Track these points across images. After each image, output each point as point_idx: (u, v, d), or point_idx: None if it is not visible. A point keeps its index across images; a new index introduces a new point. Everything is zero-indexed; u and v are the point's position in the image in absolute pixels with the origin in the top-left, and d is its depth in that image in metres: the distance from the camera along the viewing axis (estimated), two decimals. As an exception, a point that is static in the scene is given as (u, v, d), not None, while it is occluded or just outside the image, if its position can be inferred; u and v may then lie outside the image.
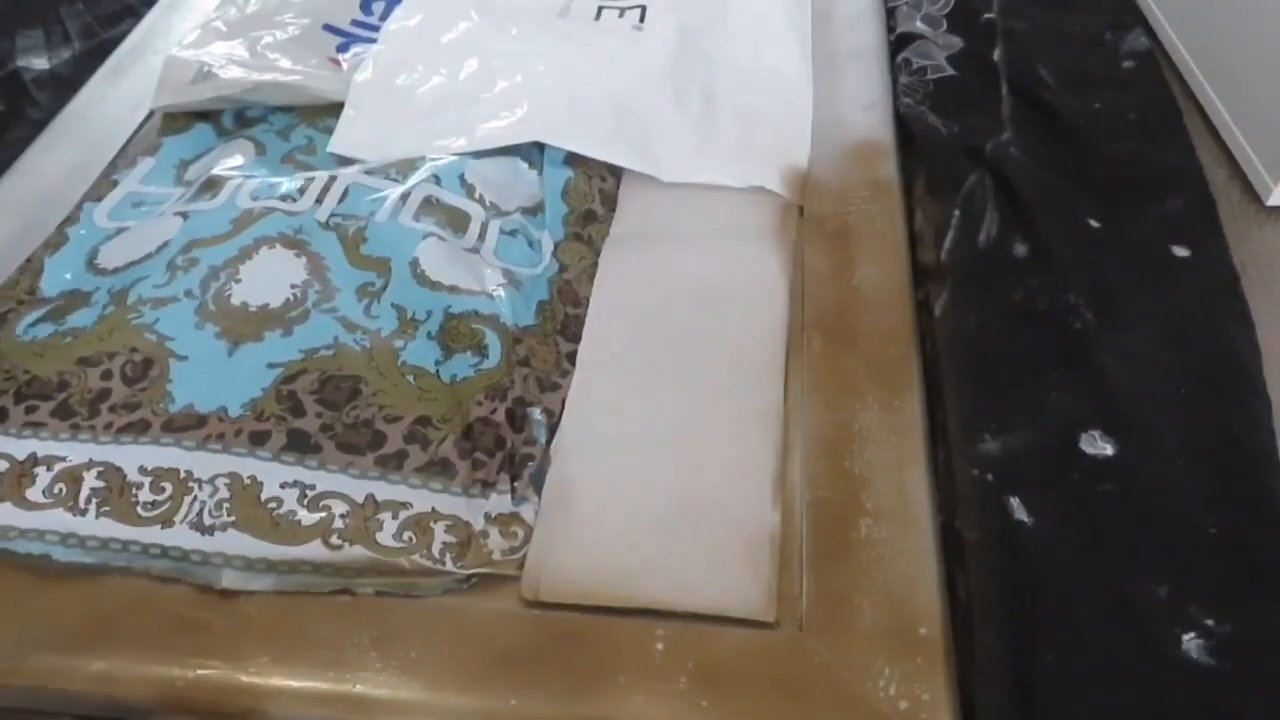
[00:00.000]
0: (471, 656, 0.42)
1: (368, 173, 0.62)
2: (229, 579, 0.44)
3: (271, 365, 0.51)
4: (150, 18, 0.82)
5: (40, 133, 0.70)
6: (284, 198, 0.59)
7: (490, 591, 0.45)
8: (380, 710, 0.41)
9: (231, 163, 0.64)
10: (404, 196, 0.60)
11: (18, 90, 0.73)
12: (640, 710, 0.40)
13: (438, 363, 0.52)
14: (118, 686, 0.41)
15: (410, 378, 0.51)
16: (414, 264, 0.56)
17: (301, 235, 0.57)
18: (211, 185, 0.61)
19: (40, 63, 0.76)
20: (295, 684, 0.41)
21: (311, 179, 0.61)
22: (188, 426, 0.49)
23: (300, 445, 0.48)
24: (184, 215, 0.59)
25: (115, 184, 0.65)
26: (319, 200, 0.59)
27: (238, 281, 0.54)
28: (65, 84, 0.75)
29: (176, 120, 0.69)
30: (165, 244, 0.57)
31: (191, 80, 0.69)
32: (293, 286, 0.54)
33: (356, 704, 0.41)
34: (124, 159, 0.68)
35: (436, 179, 0.61)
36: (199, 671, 0.41)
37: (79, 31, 0.79)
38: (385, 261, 0.56)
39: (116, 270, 0.57)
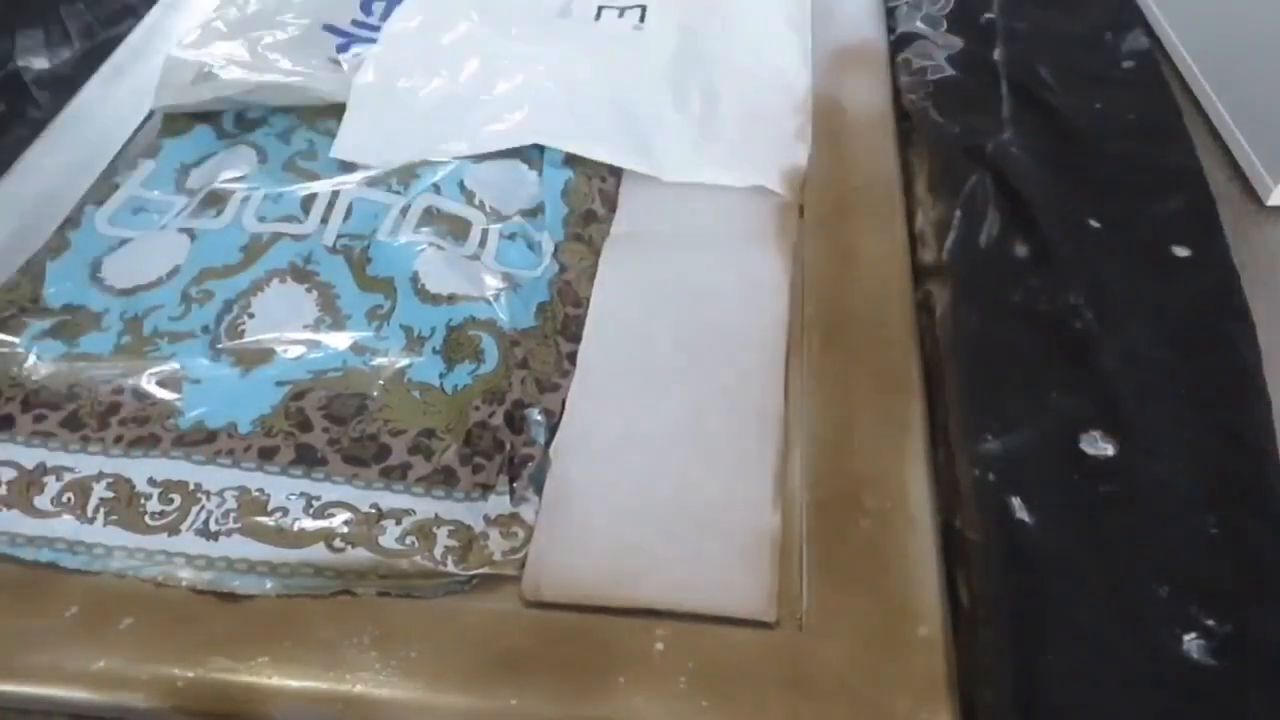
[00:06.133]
0: (471, 656, 0.42)
1: (369, 184, 0.62)
2: (231, 582, 0.44)
3: (280, 383, 0.52)
4: (150, 18, 0.82)
5: (40, 133, 0.70)
6: (289, 218, 0.60)
7: (490, 591, 0.45)
8: (380, 710, 0.41)
9: (233, 172, 0.64)
10: (404, 210, 0.60)
11: (18, 90, 0.73)
12: (640, 710, 0.40)
13: (441, 375, 0.52)
14: (118, 686, 0.41)
15: (416, 393, 0.51)
16: (414, 278, 0.56)
17: (310, 265, 0.58)
18: (215, 200, 0.62)
19: (40, 63, 0.76)
20: (295, 684, 0.41)
21: (315, 194, 0.61)
22: (198, 441, 0.49)
23: (308, 459, 0.48)
24: (190, 234, 0.60)
25: (116, 187, 0.65)
26: (324, 220, 0.60)
27: (250, 316, 0.55)
28: (65, 84, 0.74)
29: (177, 121, 0.69)
30: (175, 269, 0.58)
31: (192, 81, 0.69)
32: (305, 326, 0.55)
33: (356, 704, 0.41)
34: (124, 160, 0.67)
35: (436, 188, 0.61)
36: (199, 671, 0.41)
37: (79, 31, 0.79)
38: (390, 281, 0.56)
39: (125, 292, 0.57)
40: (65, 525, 0.46)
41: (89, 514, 0.47)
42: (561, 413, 0.51)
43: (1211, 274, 0.55)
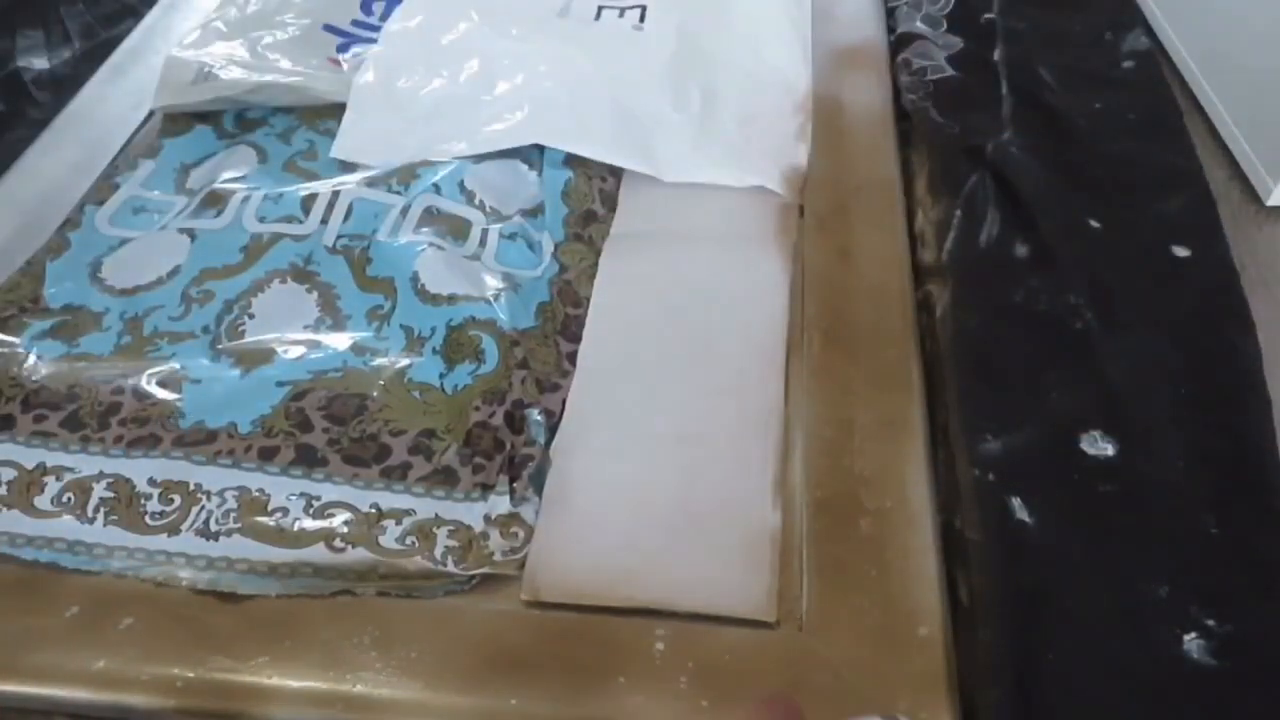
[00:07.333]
0: (471, 656, 0.42)
1: (369, 184, 0.62)
2: (231, 582, 0.44)
3: (280, 384, 0.52)
4: (150, 18, 0.82)
5: (40, 133, 0.70)
6: (289, 219, 0.60)
7: (490, 591, 0.45)
8: (380, 710, 0.41)
9: (233, 172, 0.64)
10: (404, 210, 0.60)
11: (18, 90, 0.73)
12: (640, 710, 0.40)
13: (441, 376, 0.52)
14: (118, 686, 0.41)
15: (416, 393, 0.51)
16: (414, 279, 0.56)
17: (311, 265, 0.58)
18: (215, 200, 0.62)
19: (40, 63, 0.76)
20: (295, 684, 0.41)
21: (315, 194, 0.61)
22: (198, 442, 0.49)
23: (308, 459, 0.48)
24: (191, 234, 0.60)
25: (116, 187, 0.65)
26: (324, 220, 0.60)
27: (250, 316, 0.55)
28: (65, 84, 0.74)
29: (177, 122, 0.69)
30: (176, 269, 0.58)
31: (192, 81, 0.69)
32: (305, 327, 0.55)
33: (356, 704, 0.41)
34: (124, 160, 0.67)
35: (436, 188, 0.61)
36: (199, 671, 0.41)
37: (79, 31, 0.79)
38: (390, 281, 0.56)
39: (125, 292, 0.57)
40: (65, 525, 0.46)
41: (89, 514, 0.47)
42: (561, 413, 0.51)
43: (1211, 274, 0.55)
